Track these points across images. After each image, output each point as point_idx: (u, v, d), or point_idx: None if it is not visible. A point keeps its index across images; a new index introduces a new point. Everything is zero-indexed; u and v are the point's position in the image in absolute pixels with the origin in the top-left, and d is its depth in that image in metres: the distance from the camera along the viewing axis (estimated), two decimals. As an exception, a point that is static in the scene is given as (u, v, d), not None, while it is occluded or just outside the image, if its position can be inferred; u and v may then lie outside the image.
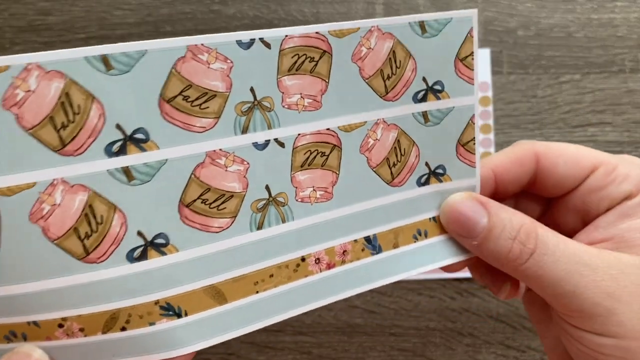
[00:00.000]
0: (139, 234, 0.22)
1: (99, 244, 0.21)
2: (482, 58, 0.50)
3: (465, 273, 0.48)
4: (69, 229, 0.21)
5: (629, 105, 0.50)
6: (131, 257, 0.22)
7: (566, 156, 0.26)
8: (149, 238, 0.22)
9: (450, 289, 0.48)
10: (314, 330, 0.48)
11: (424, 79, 0.26)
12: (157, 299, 0.22)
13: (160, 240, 0.22)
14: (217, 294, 0.23)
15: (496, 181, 0.27)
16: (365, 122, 0.25)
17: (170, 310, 0.22)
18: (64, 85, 0.20)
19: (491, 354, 0.48)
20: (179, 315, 0.22)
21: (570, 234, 0.26)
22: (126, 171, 0.21)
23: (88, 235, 0.21)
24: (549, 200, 0.28)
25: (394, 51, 0.25)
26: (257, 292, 0.24)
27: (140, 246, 0.22)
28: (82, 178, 0.20)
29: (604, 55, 0.50)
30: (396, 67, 0.25)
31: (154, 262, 0.22)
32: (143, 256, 0.22)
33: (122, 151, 0.21)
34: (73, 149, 0.20)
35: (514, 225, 0.24)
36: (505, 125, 0.50)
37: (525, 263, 0.24)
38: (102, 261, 0.21)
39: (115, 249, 0.21)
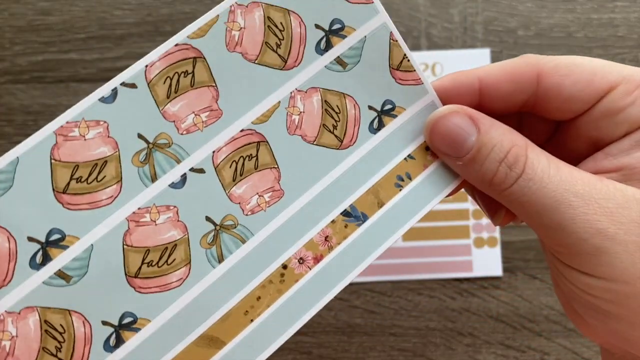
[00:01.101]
0: (105, 323, 0.21)
1: (73, 351, 0.21)
2: (482, 58, 0.50)
3: (466, 273, 0.48)
4: (38, 352, 0.20)
5: (629, 105, 0.50)
6: (109, 347, 0.21)
7: (576, 75, 0.22)
8: (116, 323, 0.21)
9: (450, 289, 0.48)
10: (314, 330, 0.48)
11: (317, 25, 0.23)
12: None
13: (128, 320, 0.21)
14: (211, 341, 0.22)
15: (482, 93, 0.24)
16: (278, 102, 0.23)
17: None
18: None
19: (491, 354, 0.48)
20: None
21: (580, 162, 0.23)
22: (60, 275, 0.21)
23: (59, 348, 0.20)
24: (557, 123, 0.25)
25: (267, 17, 0.23)
26: (252, 320, 0.22)
27: (112, 333, 0.21)
28: (23, 301, 0.20)
29: (604, 55, 0.50)
30: (280, 30, 0.23)
31: (133, 341, 0.21)
32: (120, 341, 0.21)
33: (46, 259, 0.20)
34: (0, 280, 0.20)
35: (504, 145, 0.21)
36: (505, 125, 0.50)
37: (510, 188, 0.21)
38: None
39: (90, 347, 0.21)
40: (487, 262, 0.48)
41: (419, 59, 0.50)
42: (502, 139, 0.21)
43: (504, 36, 0.50)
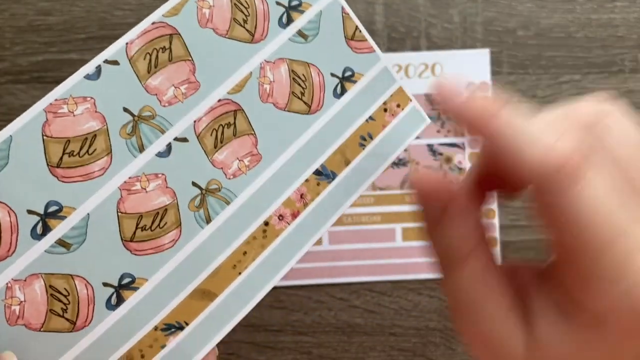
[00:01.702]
0: (106, 284, 0.23)
1: (78, 311, 0.22)
2: (482, 58, 0.50)
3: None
4: (46, 313, 0.22)
5: (629, 105, 0.50)
6: (111, 306, 0.23)
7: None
8: (116, 283, 0.23)
9: (450, 289, 0.48)
10: (314, 330, 0.48)
11: (278, 3, 0.26)
12: (154, 325, 0.23)
13: (127, 280, 0.23)
14: (204, 294, 0.24)
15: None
16: (250, 72, 0.25)
17: (172, 327, 0.23)
18: None
19: (491, 353, 0.48)
20: (181, 328, 0.23)
21: None
22: (60, 243, 0.22)
23: (65, 310, 0.22)
24: None
25: None
26: (240, 273, 0.24)
27: (113, 293, 0.23)
28: (28, 269, 0.21)
29: (603, 55, 0.50)
30: (245, 7, 0.25)
31: (133, 299, 0.23)
32: (120, 300, 0.23)
33: (46, 229, 0.22)
34: (4, 252, 0.21)
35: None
36: (505, 125, 0.50)
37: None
38: (89, 323, 0.22)
39: (93, 307, 0.22)
40: (487, 262, 0.48)
41: (418, 59, 0.50)
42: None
43: (503, 36, 0.50)
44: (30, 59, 0.49)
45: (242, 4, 0.25)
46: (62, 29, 0.49)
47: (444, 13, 0.50)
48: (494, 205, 0.49)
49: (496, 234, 0.49)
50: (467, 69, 0.50)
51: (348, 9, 0.27)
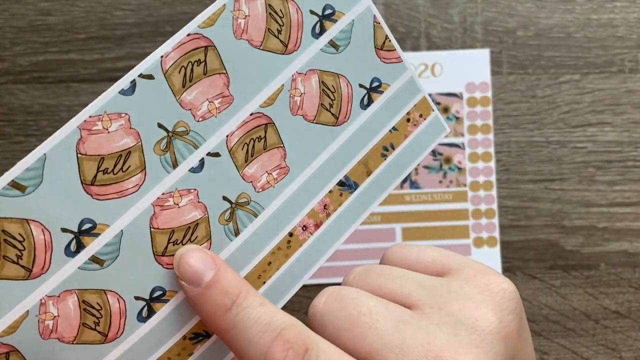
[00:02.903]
0: (137, 298, 0.23)
1: (110, 324, 0.22)
2: (482, 58, 0.50)
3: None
4: (79, 327, 0.22)
5: (629, 105, 0.50)
6: (142, 318, 0.23)
7: None
8: (147, 297, 0.23)
9: (449, 289, 0.48)
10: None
11: (312, 12, 0.25)
12: (183, 334, 0.23)
13: (158, 293, 0.23)
14: None
15: None
16: (282, 85, 0.25)
17: (199, 336, 0.24)
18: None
19: (491, 353, 0.48)
20: (208, 336, 0.24)
21: None
22: (94, 260, 0.22)
23: (97, 323, 0.22)
24: None
25: (269, 4, 0.24)
26: (264, 282, 0.25)
27: (144, 306, 0.23)
28: (62, 285, 0.21)
29: (603, 55, 0.50)
30: (280, 17, 0.24)
31: (163, 310, 0.23)
32: (151, 312, 0.23)
33: (80, 246, 0.21)
34: (39, 269, 0.21)
35: (232, 287, 0.22)
36: (504, 125, 0.50)
37: (224, 315, 0.22)
38: (121, 334, 0.22)
39: (125, 319, 0.22)
40: (487, 262, 0.48)
41: (418, 59, 0.50)
42: (234, 284, 0.22)
43: (503, 36, 0.50)
44: (30, 59, 0.49)
45: (277, 14, 0.24)
46: (62, 29, 0.49)
47: (443, 13, 0.50)
48: (494, 205, 0.49)
49: (496, 234, 0.49)
50: (467, 69, 0.50)
51: (380, 18, 0.27)
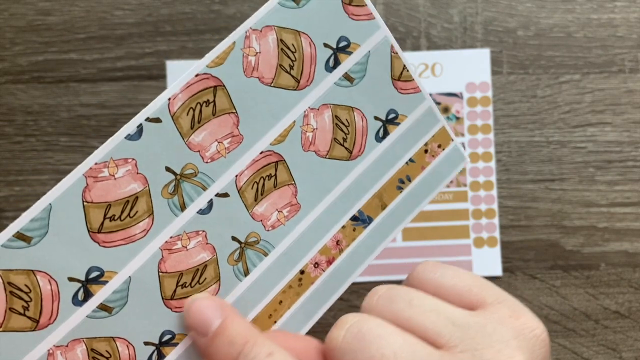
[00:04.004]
0: (147, 343, 0.22)
1: None
2: (482, 58, 0.50)
3: (465, 273, 0.48)
4: None
5: (629, 105, 0.50)
6: None
7: None
8: (157, 341, 0.22)
9: (450, 289, 0.48)
10: (314, 330, 0.48)
11: (325, 44, 0.24)
12: None
13: (167, 337, 0.23)
14: None
15: None
16: (294, 121, 0.24)
17: None
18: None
19: (491, 353, 0.48)
20: None
21: None
22: (102, 307, 0.21)
23: None
24: None
25: (280, 40, 0.23)
26: (275, 321, 0.24)
27: (154, 351, 0.22)
28: (69, 335, 0.21)
29: (603, 55, 0.50)
30: (292, 52, 0.24)
31: (173, 354, 0.23)
32: (161, 356, 0.23)
33: (88, 295, 0.21)
34: (46, 320, 0.20)
35: (240, 337, 0.22)
36: (505, 125, 0.50)
37: None
38: None
39: None
40: (487, 262, 0.48)
41: (418, 59, 0.50)
42: (241, 332, 0.22)
43: (503, 36, 0.50)
44: (30, 59, 0.49)
45: (289, 48, 0.23)
46: (62, 29, 0.49)
47: (444, 13, 0.50)
48: (494, 205, 0.49)
49: (496, 234, 0.49)
50: (467, 69, 0.50)
51: (397, 48, 0.26)
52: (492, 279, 0.48)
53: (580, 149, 0.49)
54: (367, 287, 0.48)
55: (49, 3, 0.49)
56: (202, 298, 0.23)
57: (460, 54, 0.50)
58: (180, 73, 0.49)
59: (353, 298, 0.48)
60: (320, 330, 0.49)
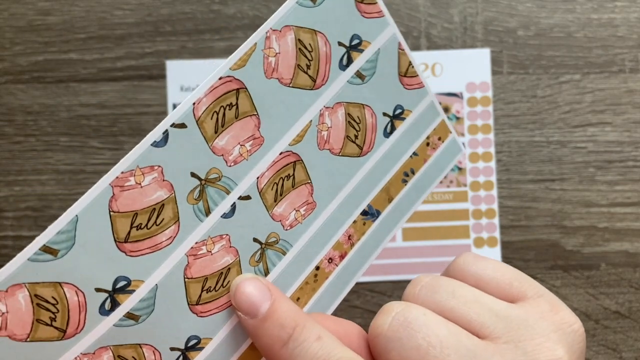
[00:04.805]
0: (173, 349, 0.22)
1: None
2: (483, 58, 0.50)
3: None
4: None
5: (629, 105, 0.50)
6: None
7: None
8: (183, 347, 0.22)
9: (450, 289, 0.48)
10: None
11: (340, 43, 0.25)
12: None
13: (193, 342, 0.23)
14: None
15: None
16: (310, 121, 0.24)
17: None
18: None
19: (491, 354, 0.48)
20: None
21: None
22: (129, 316, 0.21)
23: None
24: None
25: (298, 39, 0.24)
26: None
27: (179, 356, 0.22)
28: (96, 343, 0.21)
29: (604, 55, 0.50)
30: (309, 51, 0.24)
31: (198, 359, 0.23)
32: None
33: (115, 304, 0.21)
34: (73, 330, 0.20)
35: (288, 320, 0.22)
36: (505, 125, 0.50)
37: (281, 349, 0.22)
38: None
39: None
40: (487, 262, 0.48)
41: (419, 59, 0.50)
42: (290, 315, 0.22)
43: (503, 36, 0.50)
44: (30, 59, 0.49)
45: (306, 48, 0.24)
46: (62, 29, 0.49)
47: (444, 13, 0.50)
48: (494, 205, 0.49)
49: (496, 234, 0.49)
50: (467, 69, 0.50)
51: (404, 45, 0.26)
52: (492, 279, 0.48)
53: (580, 149, 0.49)
54: (368, 287, 0.49)
55: (49, 3, 0.49)
56: (249, 278, 0.23)
57: (461, 53, 0.50)
58: (180, 73, 0.49)
59: (353, 298, 0.48)
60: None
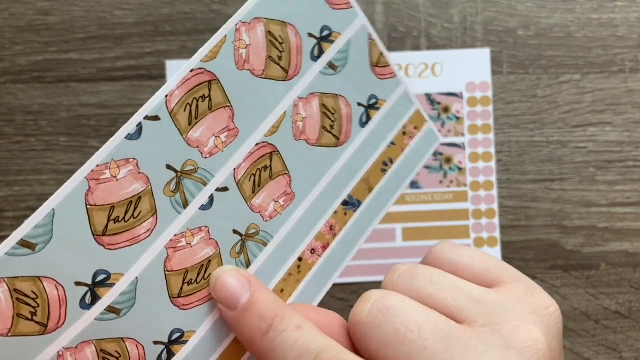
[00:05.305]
0: (156, 342, 0.22)
1: None
2: (483, 58, 0.50)
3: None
4: None
5: (629, 105, 0.50)
6: None
7: None
8: (166, 340, 0.22)
9: (450, 289, 0.48)
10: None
11: (310, 34, 0.25)
12: None
13: (176, 335, 0.23)
14: None
15: None
16: (285, 112, 0.24)
17: None
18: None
19: (491, 354, 0.48)
20: None
21: None
22: (110, 310, 0.21)
23: None
24: None
25: (268, 31, 0.24)
26: None
27: (163, 350, 0.22)
28: (78, 337, 0.21)
29: (604, 55, 0.50)
30: (279, 42, 0.24)
31: (182, 352, 0.23)
32: (171, 354, 0.23)
33: (95, 298, 0.21)
34: (54, 324, 0.20)
35: (268, 310, 0.22)
36: (505, 125, 0.50)
37: (262, 339, 0.22)
38: None
39: None
40: (487, 262, 0.48)
41: (418, 59, 0.50)
42: (270, 306, 0.22)
43: (503, 36, 0.50)
44: (30, 59, 0.49)
45: (277, 40, 0.24)
46: (62, 29, 0.49)
47: (444, 13, 0.50)
48: (494, 205, 0.49)
49: (496, 234, 0.49)
50: (468, 69, 0.50)
51: (374, 35, 0.26)
52: (492, 279, 0.48)
53: (580, 149, 0.49)
54: (367, 287, 0.48)
55: (49, 3, 0.49)
56: (229, 270, 0.23)
57: (461, 53, 0.50)
58: (180, 73, 0.49)
59: (353, 298, 0.48)
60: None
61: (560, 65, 0.50)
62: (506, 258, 0.49)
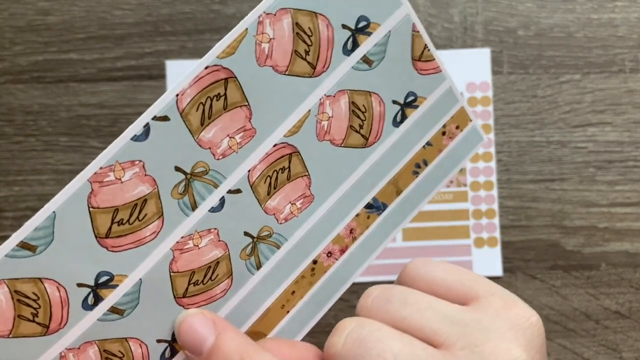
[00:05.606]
0: (159, 341, 0.22)
1: None
2: (483, 58, 0.50)
3: (465, 273, 0.48)
4: None
5: (629, 105, 0.50)
6: (165, 359, 0.22)
7: None
8: (169, 338, 0.22)
9: (450, 289, 0.48)
10: (313, 330, 0.48)
11: (344, 25, 0.22)
12: None
13: None
14: (254, 335, 0.24)
15: None
16: (309, 110, 0.23)
17: None
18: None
19: (491, 354, 0.48)
20: None
21: None
22: (113, 310, 0.21)
23: None
24: None
25: (296, 23, 0.22)
26: (288, 311, 0.24)
27: (166, 348, 0.22)
28: (81, 338, 0.21)
29: (604, 55, 0.50)
30: (308, 35, 0.22)
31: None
32: (174, 353, 0.22)
33: (98, 299, 0.21)
34: (56, 325, 0.20)
35: (234, 355, 0.21)
36: (505, 125, 0.50)
37: None
38: None
39: None
40: (487, 262, 0.48)
41: (419, 59, 0.50)
42: (235, 349, 0.21)
43: (504, 36, 0.50)
44: (30, 59, 0.49)
45: (305, 32, 0.22)
46: (62, 29, 0.49)
47: (444, 13, 0.50)
48: (494, 205, 0.49)
49: (496, 234, 0.49)
50: (468, 69, 0.50)
51: (419, 26, 0.24)
52: (492, 279, 0.48)
53: (580, 149, 0.49)
54: (367, 287, 0.48)
55: (49, 3, 0.49)
56: (193, 314, 0.22)
57: (461, 53, 0.50)
58: (180, 73, 0.49)
59: (353, 298, 0.47)
60: (319, 331, 0.49)
61: (561, 65, 0.50)
62: (506, 258, 0.49)
